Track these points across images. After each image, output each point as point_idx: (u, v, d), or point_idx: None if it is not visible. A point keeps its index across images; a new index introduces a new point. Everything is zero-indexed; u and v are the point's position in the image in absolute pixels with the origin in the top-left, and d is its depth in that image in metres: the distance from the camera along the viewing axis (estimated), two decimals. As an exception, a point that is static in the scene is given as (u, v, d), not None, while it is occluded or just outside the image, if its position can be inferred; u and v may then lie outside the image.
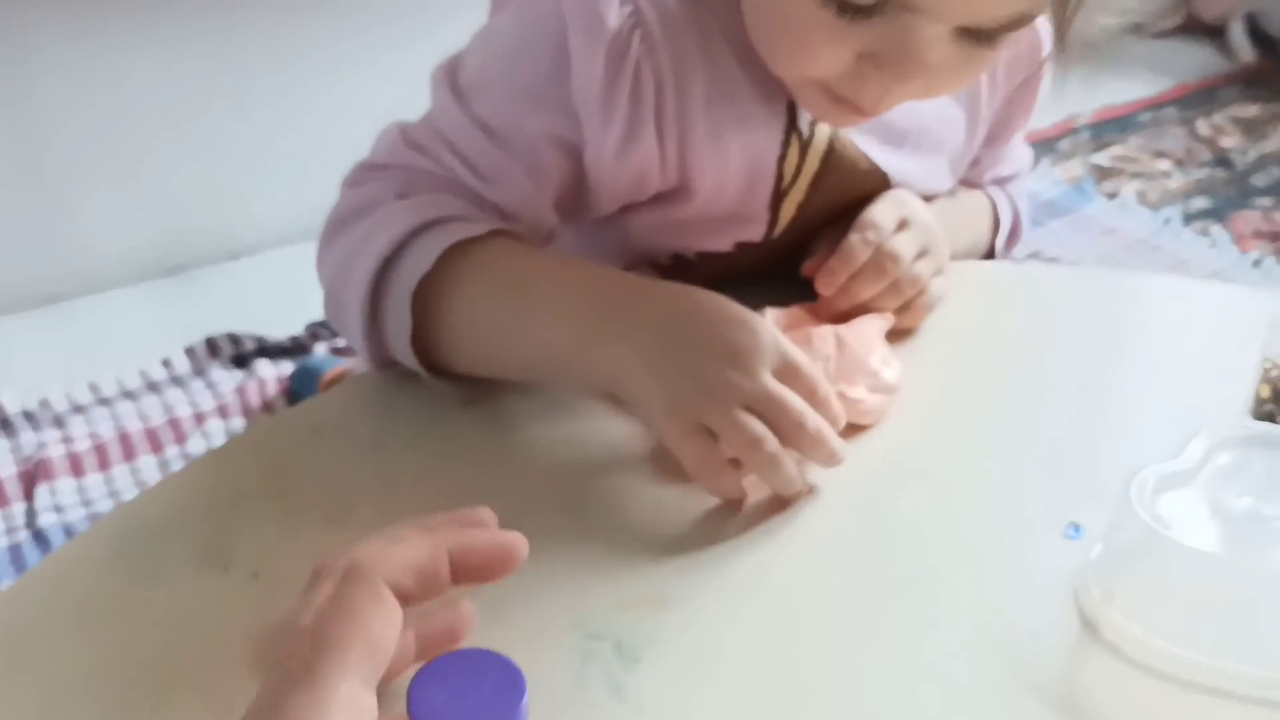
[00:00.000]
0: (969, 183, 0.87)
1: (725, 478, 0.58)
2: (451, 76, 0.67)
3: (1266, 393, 0.66)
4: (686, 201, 0.72)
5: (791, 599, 0.55)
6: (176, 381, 1.49)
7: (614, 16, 0.64)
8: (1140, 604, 0.52)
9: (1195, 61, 2.70)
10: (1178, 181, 2.14)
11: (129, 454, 1.35)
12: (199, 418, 1.40)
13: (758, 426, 0.56)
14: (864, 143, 0.74)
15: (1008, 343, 0.76)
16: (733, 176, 0.71)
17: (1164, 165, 2.19)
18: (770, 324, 0.60)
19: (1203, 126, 2.36)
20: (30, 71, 1.56)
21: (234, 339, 1.55)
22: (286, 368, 1.47)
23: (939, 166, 0.81)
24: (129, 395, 1.46)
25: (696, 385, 0.57)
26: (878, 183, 0.75)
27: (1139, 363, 0.75)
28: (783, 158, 0.72)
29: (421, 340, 0.63)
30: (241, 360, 1.52)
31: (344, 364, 1.30)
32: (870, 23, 0.59)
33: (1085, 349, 0.75)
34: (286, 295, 1.42)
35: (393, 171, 0.67)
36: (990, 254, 0.90)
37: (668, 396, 0.57)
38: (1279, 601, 0.50)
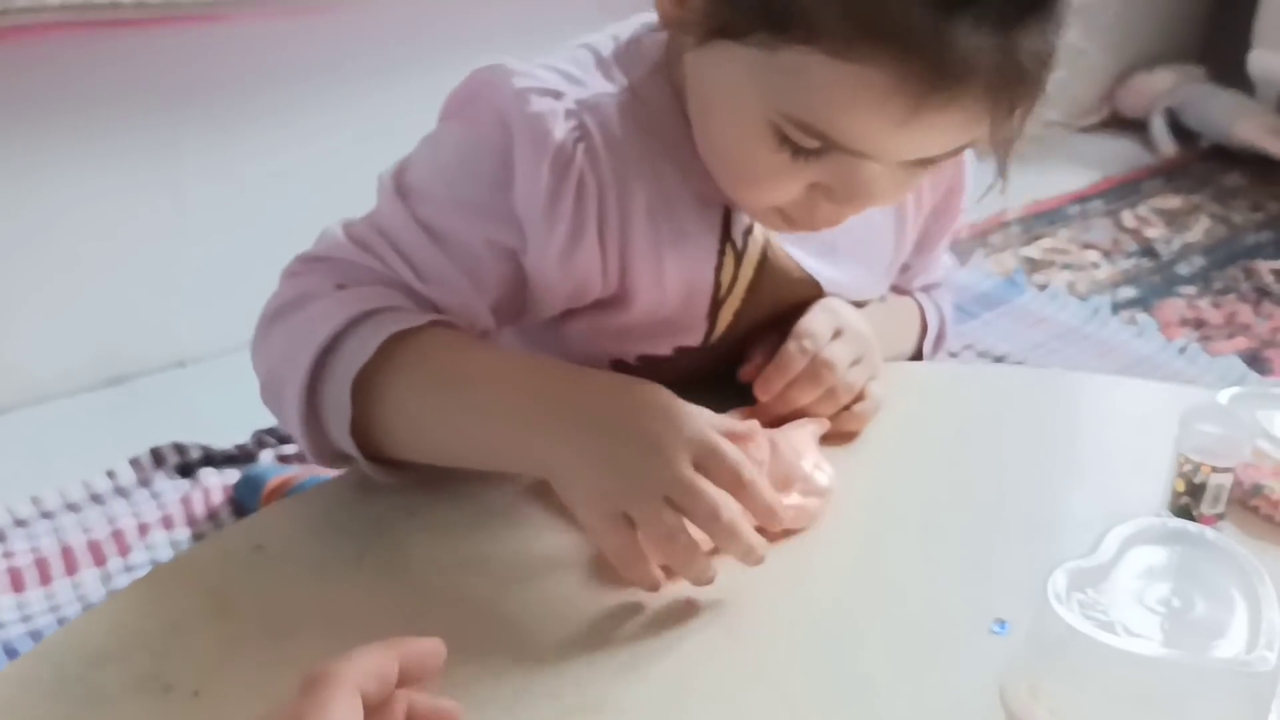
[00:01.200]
0: (899, 289, 0.91)
1: (640, 567, 0.59)
2: (398, 178, 0.70)
3: (1182, 487, 0.69)
4: (626, 309, 0.74)
5: (726, 701, 0.56)
6: (120, 492, 1.47)
7: (559, 130, 0.67)
8: (1064, 699, 0.53)
9: (1119, 155, 2.79)
10: (1105, 272, 2.20)
11: (71, 568, 1.33)
12: (143, 528, 1.39)
13: (671, 518, 0.58)
14: (797, 253, 0.77)
15: (936, 442, 0.78)
16: (670, 286, 0.74)
17: (1092, 256, 2.26)
18: (700, 414, 0.61)
19: (1128, 218, 2.44)
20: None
21: (179, 448, 1.54)
22: (232, 476, 1.47)
23: (869, 275, 0.84)
24: (71, 507, 1.45)
25: (617, 475, 0.58)
26: (811, 290, 0.78)
27: (1065, 458, 0.78)
28: (719, 267, 0.75)
29: (360, 428, 0.64)
30: (187, 469, 1.51)
31: (287, 472, 1.30)
32: (820, 160, 0.63)
33: (1013, 445, 0.78)
34: (232, 402, 1.40)
35: (333, 264, 0.68)
36: (918, 356, 0.93)
37: (591, 487, 0.59)
38: (1194, 693, 0.52)
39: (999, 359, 1.82)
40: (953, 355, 1.83)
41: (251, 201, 1.77)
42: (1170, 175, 2.67)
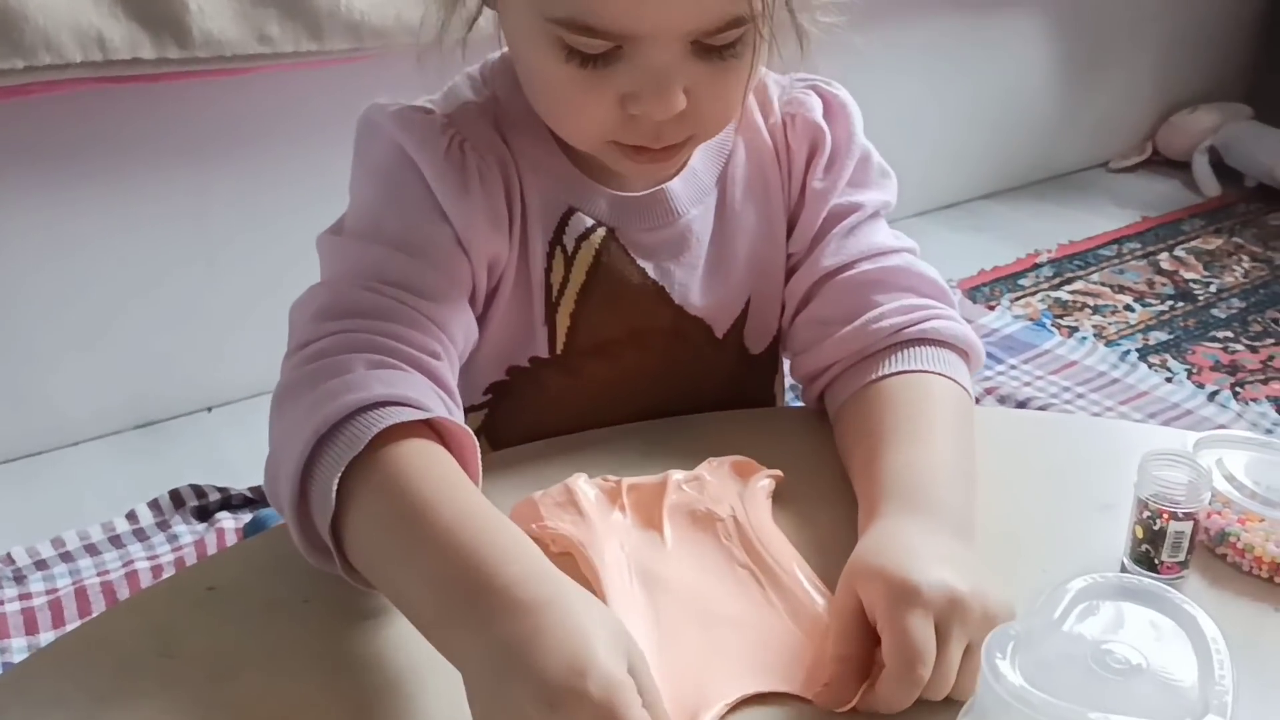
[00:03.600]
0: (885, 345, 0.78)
1: None
2: (339, 231, 0.73)
3: (1141, 534, 0.68)
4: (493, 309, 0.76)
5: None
6: (138, 534, 1.50)
7: (441, 136, 0.72)
8: None
9: (1161, 195, 2.76)
10: (1138, 315, 2.17)
11: (84, 610, 1.35)
12: (156, 570, 1.41)
13: None
14: (647, 263, 0.78)
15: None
16: (511, 279, 0.75)
17: (1125, 299, 2.23)
18: (614, 650, 0.52)
19: (1165, 259, 2.41)
20: (3, 234, 1.61)
21: (198, 490, 1.57)
22: (247, 518, 1.49)
23: (736, 274, 0.81)
24: (90, 549, 1.47)
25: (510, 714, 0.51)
26: (651, 296, 0.78)
27: (1031, 503, 0.77)
28: (549, 270, 0.76)
29: (339, 531, 0.60)
30: (204, 512, 1.54)
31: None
32: (614, 67, 0.66)
33: (991, 492, 0.77)
34: (255, 446, 1.43)
35: (326, 340, 0.65)
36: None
37: (487, 710, 0.52)
38: None
39: (1021, 404, 1.80)
40: (975, 401, 1.81)
41: (280, 249, 1.80)
42: (1212, 216, 2.63)
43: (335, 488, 0.58)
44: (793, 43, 0.71)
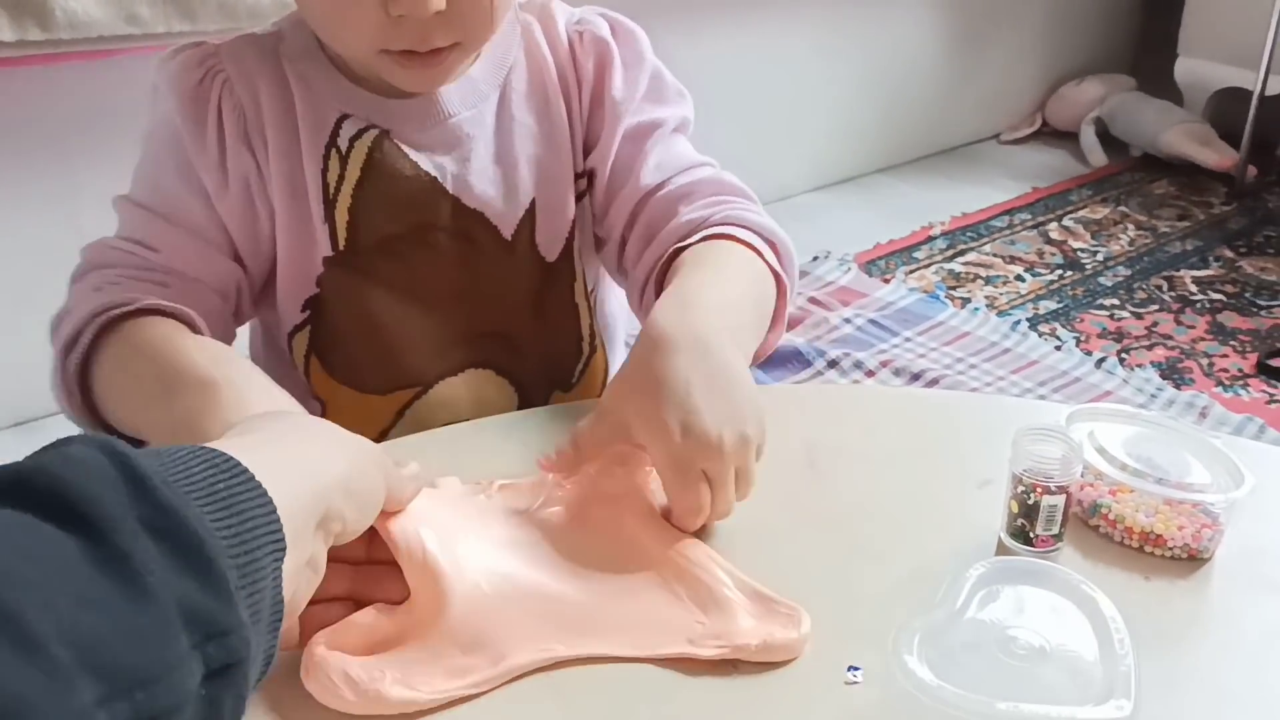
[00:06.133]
0: (683, 230, 0.82)
1: None
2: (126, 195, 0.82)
3: (1016, 508, 0.68)
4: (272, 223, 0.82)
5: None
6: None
7: (193, 73, 0.78)
8: None
9: (1050, 167, 2.81)
10: (1029, 285, 2.21)
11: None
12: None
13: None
14: (419, 156, 0.81)
15: (779, 466, 0.77)
16: (289, 189, 0.81)
17: (1016, 269, 2.27)
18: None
19: (1054, 230, 2.45)
20: None
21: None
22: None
23: (518, 176, 0.84)
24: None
25: None
26: (426, 188, 0.81)
27: (910, 480, 0.77)
28: (325, 170, 0.80)
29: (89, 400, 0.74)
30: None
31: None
32: None
33: (855, 469, 0.77)
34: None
35: (92, 271, 0.79)
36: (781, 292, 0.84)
37: None
38: None
39: (916, 376, 1.82)
40: (870, 374, 1.82)
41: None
42: (1099, 185, 2.68)
43: (73, 360, 0.73)
44: None
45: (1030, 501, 0.67)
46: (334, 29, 0.76)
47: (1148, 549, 0.69)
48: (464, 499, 0.67)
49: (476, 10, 0.74)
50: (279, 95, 0.79)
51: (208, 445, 0.47)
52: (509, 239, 0.85)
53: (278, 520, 0.46)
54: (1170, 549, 0.68)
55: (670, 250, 0.80)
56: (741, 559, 0.66)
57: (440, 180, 0.82)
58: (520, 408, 0.88)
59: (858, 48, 2.58)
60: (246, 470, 0.46)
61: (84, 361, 0.73)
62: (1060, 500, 0.67)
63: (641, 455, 0.70)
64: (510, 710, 0.57)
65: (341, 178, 0.80)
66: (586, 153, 0.87)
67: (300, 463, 0.52)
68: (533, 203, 0.85)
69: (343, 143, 0.80)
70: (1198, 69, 2.81)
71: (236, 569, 0.43)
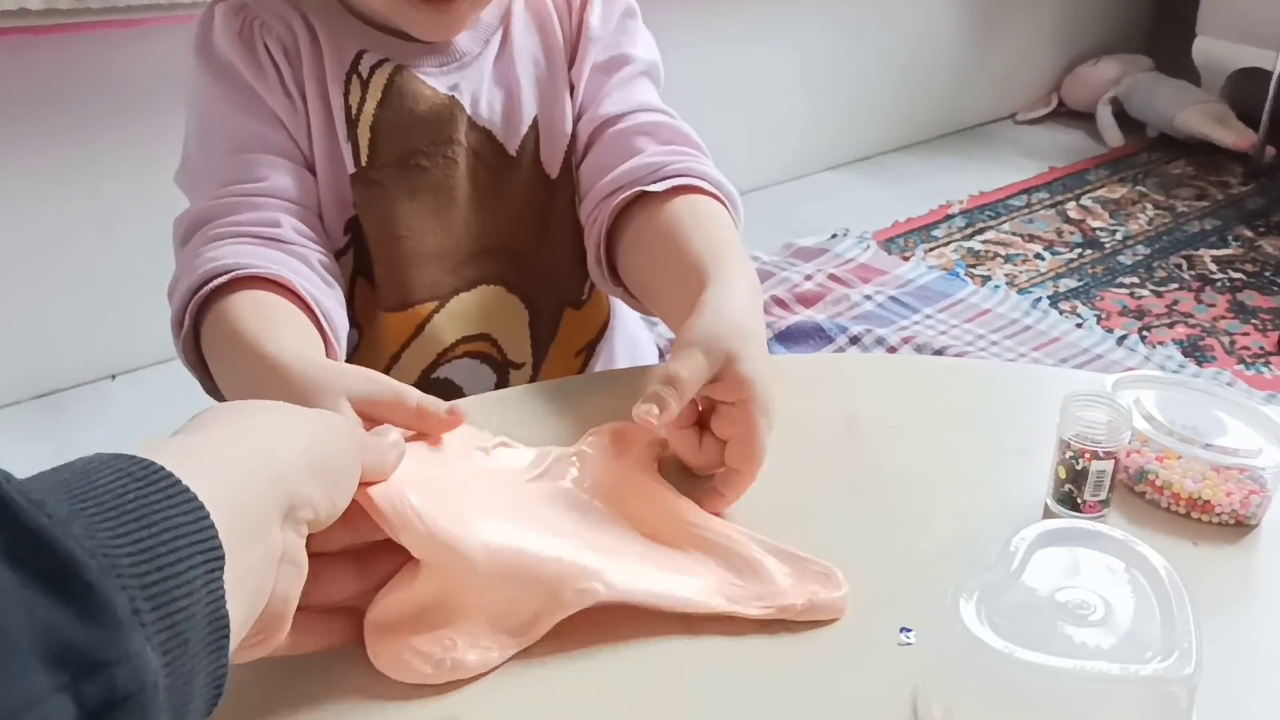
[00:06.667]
0: (648, 178, 0.84)
1: None
2: (184, 163, 0.85)
3: (1064, 474, 0.68)
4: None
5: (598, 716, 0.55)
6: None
7: (234, 19, 0.83)
8: (977, 716, 0.52)
9: (1066, 146, 2.81)
10: (1048, 263, 2.21)
11: None
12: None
13: None
14: (436, 81, 0.85)
15: (821, 438, 0.77)
16: (319, 115, 0.84)
17: (1035, 248, 2.26)
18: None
19: (1072, 209, 2.45)
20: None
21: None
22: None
23: (520, 95, 0.88)
24: None
25: None
26: (444, 104, 0.85)
27: (955, 448, 0.77)
28: (346, 93, 0.84)
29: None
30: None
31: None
32: None
33: (903, 437, 0.77)
34: (163, 413, 1.39)
35: (195, 235, 0.80)
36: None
37: None
38: (1113, 704, 0.50)
39: (938, 352, 1.82)
40: (892, 350, 1.82)
41: (174, 208, 1.75)
42: (1116, 165, 2.68)
43: (183, 336, 0.75)
44: None
45: (1079, 467, 0.67)
46: None
47: (1195, 515, 0.69)
48: (456, 460, 0.64)
49: None
50: (306, 32, 0.83)
51: (131, 451, 0.43)
52: (514, 155, 0.88)
53: (209, 527, 0.41)
54: (1218, 515, 0.68)
55: (636, 191, 0.82)
56: (781, 525, 0.66)
57: (458, 98, 0.86)
58: (532, 325, 0.92)
59: (874, 27, 2.57)
60: (167, 475, 0.41)
61: (195, 336, 0.76)
62: (1109, 465, 0.67)
63: (643, 436, 0.70)
64: (563, 669, 0.57)
65: (363, 100, 0.84)
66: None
67: (250, 453, 0.47)
68: (535, 120, 0.88)
69: (363, 70, 0.84)
70: (1216, 49, 2.80)
71: (140, 589, 0.38)
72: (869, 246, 2.17)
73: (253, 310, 0.72)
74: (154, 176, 1.73)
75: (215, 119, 0.83)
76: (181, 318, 0.75)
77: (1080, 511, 0.68)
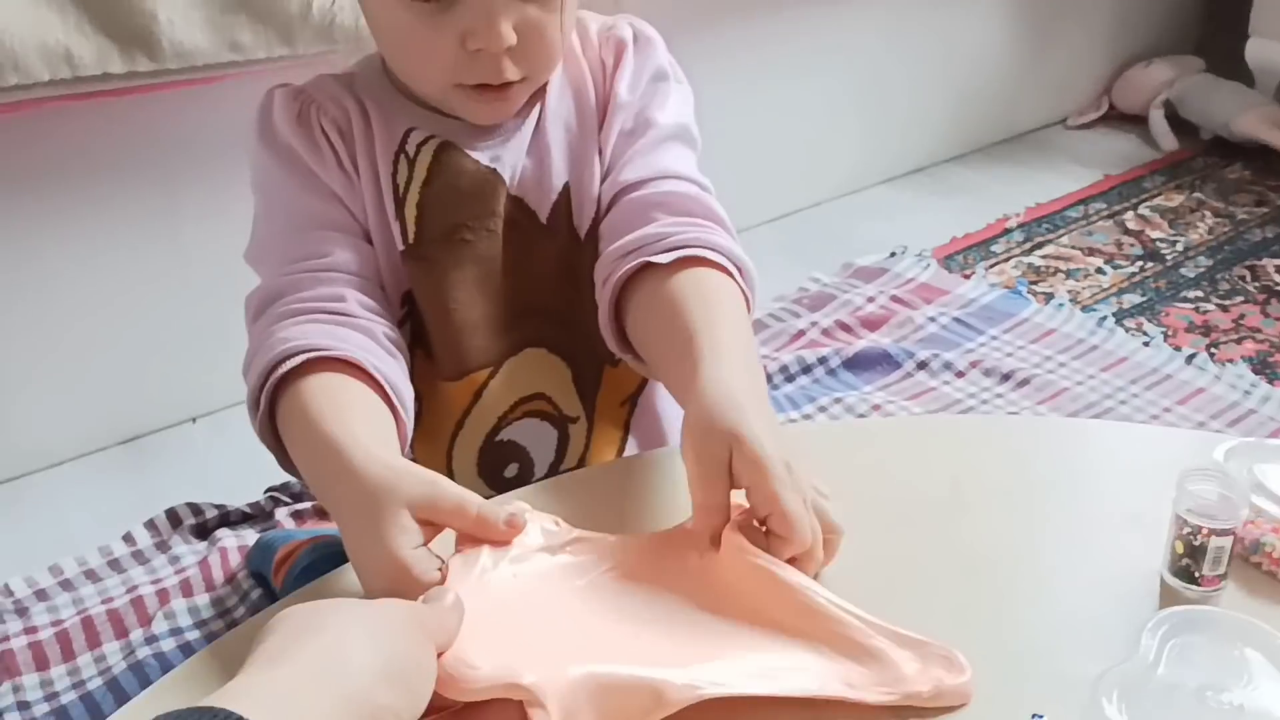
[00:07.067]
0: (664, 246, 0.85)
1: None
2: (253, 239, 0.89)
3: (1181, 549, 0.69)
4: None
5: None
6: (138, 557, 1.48)
7: (292, 104, 0.87)
8: None
9: (1119, 152, 2.79)
10: (1110, 277, 2.20)
11: (93, 641, 1.34)
12: (162, 595, 1.39)
13: None
14: (482, 156, 0.88)
15: (928, 505, 0.78)
16: (370, 193, 0.88)
17: (1096, 261, 2.26)
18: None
19: (1130, 219, 2.44)
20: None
21: (195, 508, 1.55)
22: (247, 536, 1.48)
23: (553, 164, 0.90)
24: (90, 575, 1.46)
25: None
26: (487, 178, 0.88)
27: (1059, 516, 0.78)
28: (395, 173, 0.88)
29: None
30: (203, 530, 1.52)
31: (295, 539, 1.31)
32: (452, 9, 0.79)
33: (1007, 505, 0.78)
34: (243, 455, 1.42)
35: (266, 312, 0.83)
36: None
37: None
38: None
39: (1006, 376, 1.82)
40: (960, 375, 1.83)
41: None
42: (1172, 172, 2.66)
43: (259, 417, 0.78)
44: None
45: (1196, 543, 0.68)
46: (411, 63, 0.85)
47: (1313, 586, 0.70)
48: (520, 578, 0.65)
49: (544, 45, 0.83)
50: (359, 113, 0.88)
51: (213, 700, 0.46)
52: (545, 222, 0.91)
53: None
54: (1336, 587, 0.69)
55: (641, 261, 0.83)
56: (898, 605, 0.66)
57: (499, 171, 0.89)
58: (576, 382, 0.95)
59: (925, 35, 2.57)
60: None
61: (270, 415, 0.78)
62: (1227, 541, 0.68)
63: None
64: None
65: (410, 179, 0.87)
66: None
67: (320, 681, 0.50)
68: (565, 185, 0.91)
69: (410, 148, 0.88)
70: (1269, 49, 2.77)
71: None
72: (929, 265, 2.17)
73: (327, 396, 0.75)
74: (230, 225, 1.76)
75: (278, 198, 0.87)
76: (257, 398, 0.77)
77: (1199, 585, 0.69)
